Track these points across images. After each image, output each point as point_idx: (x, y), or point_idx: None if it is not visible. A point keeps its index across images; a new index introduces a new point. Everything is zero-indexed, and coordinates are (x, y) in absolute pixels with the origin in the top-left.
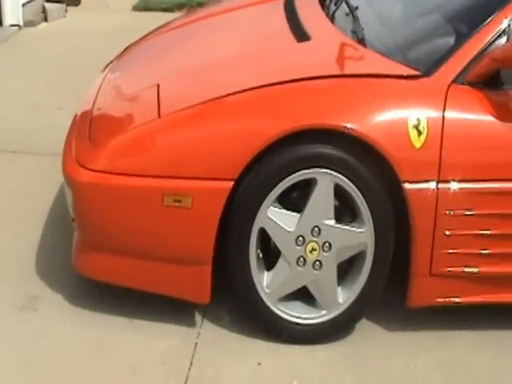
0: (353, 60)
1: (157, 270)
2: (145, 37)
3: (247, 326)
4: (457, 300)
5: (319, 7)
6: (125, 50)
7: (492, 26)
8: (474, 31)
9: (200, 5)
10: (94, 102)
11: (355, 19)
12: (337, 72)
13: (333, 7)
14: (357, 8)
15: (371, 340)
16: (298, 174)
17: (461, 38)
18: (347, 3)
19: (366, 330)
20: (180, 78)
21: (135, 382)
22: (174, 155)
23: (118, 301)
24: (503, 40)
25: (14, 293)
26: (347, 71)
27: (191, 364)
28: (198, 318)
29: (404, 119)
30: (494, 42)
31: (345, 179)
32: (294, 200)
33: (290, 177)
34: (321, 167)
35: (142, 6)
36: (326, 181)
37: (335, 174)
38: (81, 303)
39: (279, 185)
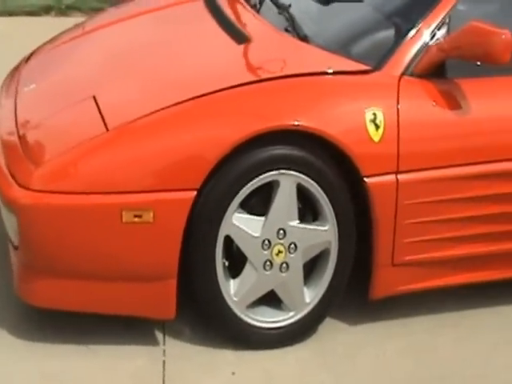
0: (303, 58)
1: (116, 290)
2: (52, 41)
3: (211, 337)
4: (418, 286)
5: (247, 6)
6: (28, 58)
7: (433, 18)
8: (417, 23)
9: (70, 8)
10: (15, 119)
11: (292, 16)
12: (290, 72)
13: (265, 5)
14: (290, 6)
15: (337, 335)
16: (260, 177)
17: (405, 31)
18: (278, 2)
19: (330, 326)
20: (119, 88)
21: None
22: (131, 168)
23: (67, 328)
24: (444, 31)
25: None
26: (301, 70)
27: (164, 383)
28: (158, 335)
29: (361, 115)
30: (436, 33)
31: (307, 178)
32: (257, 204)
33: (253, 181)
34: (283, 169)
35: (1, 9)
36: (288, 182)
37: (297, 174)
38: (28, 336)
39: (242, 190)
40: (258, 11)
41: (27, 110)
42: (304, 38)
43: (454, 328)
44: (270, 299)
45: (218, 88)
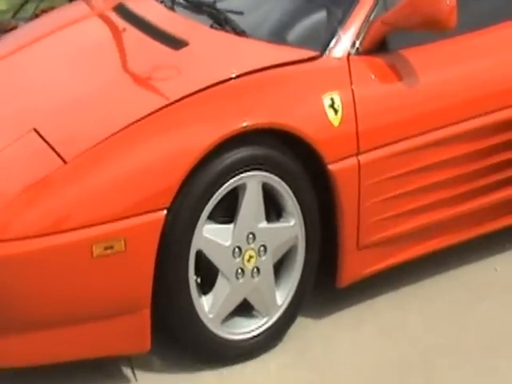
0: (247, 55)
1: (90, 332)
2: None
3: (185, 362)
4: (383, 265)
5: (165, 8)
6: None
7: None
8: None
9: None
10: None
11: (220, 12)
12: (240, 71)
13: (185, 5)
14: (214, 2)
15: (308, 332)
16: (227, 184)
17: (344, 10)
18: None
19: (299, 325)
20: (57, 116)
21: None
22: (96, 199)
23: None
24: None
25: None
26: (249, 68)
27: None
28: (127, 372)
29: (319, 102)
30: (375, 7)
31: (271, 176)
32: (221, 213)
33: (221, 189)
34: (247, 171)
35: None
36: (255, 183)
37: (262, 173)
38: None
39: (211, 200)
40: (179, 12)
41: None
42: (241, 33)
43: (417, 299)
44: (241, 310)
45: (169, 101)
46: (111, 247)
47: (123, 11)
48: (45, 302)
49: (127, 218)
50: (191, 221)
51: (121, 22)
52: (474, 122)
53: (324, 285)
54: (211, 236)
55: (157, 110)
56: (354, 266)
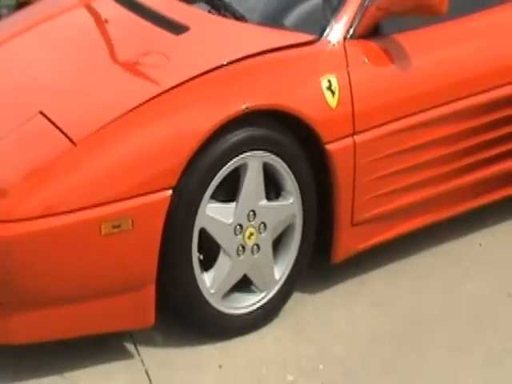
0: (248, 39)
1: (98, 307)
2: None
3: (187, 337)
4: (376, 240)
5: None
6: None
7: None
8: None
9: None
10: None
11: None
12: (241, 54)
13: None
14: None
15: (304, 307)
16: (229, 163)
17: None
18: None
19: (295, 301)
20: (63, 99)
21: None
22: (104, 179)
23: (34, 361)
24: None
25: None
26: (250, 51)
27: None
28: (130, 347)
29: (317, 84)
30: None
31: (272, 156)
32: (223, 191)
33: (223, 169)
34: (250, 150)
35: None
36: (255, 163)
37: (263, 153)
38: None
39: (214, 180)
40: None
41: None
42: (241, 18)
43: (407, 275)
44: (240, 285)
45: (173, 85)
46: (119, 226)
47: None
48: (55, 279)
49: (134, 197)
50: (195, 200)
51: (120, 8)
52: (462, 102)
53: (318, 262)
54: (214, 214)
55: (161, 93)
56: (348, 241)
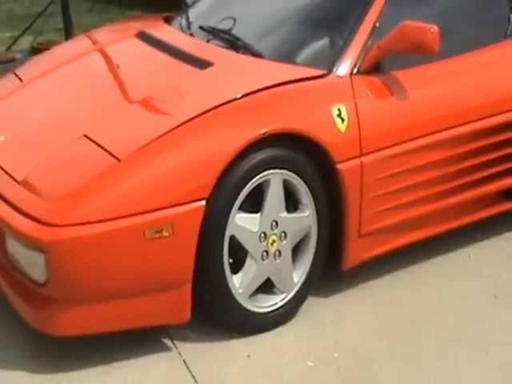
0: (267, 72)
1: (140, 304)
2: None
3: (215, 333)
4: (381, 250)
5: (186, 34)
6: None
7: (368, 22)
8: (355, 28)
9: None
10: (3, 170)
11: (237, 37)
12: (262, 85)
13: (204, 32)
14: (230, 29)
15: (317, 308)
16: (255, 179)
17: (347, 37)
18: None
19: (308, 302)
20: (105, 123)
21: None
22: (148, 190)
23: (82, 353)
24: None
25: None
26: (270, 83)
27: (194, 377)
28: (167, 342)
29: (329, 112)
30: (371, 36)
31: (291, 173)
32: (249, 203)
33: (249, 183)
34: (273, 168)
35: None
36: (277, 179)
37: (283, 171)
38: (52, 367)
39: (242, 192)
40: (199, 37)
41: (12, 160)
42: (259, 55)
43: (405, 282)
44: (264, 287)
45: (205, 109)
46: (160, 231)
47: (146, 37)
48: (103, 278)
49: (174, 206)
50: (225, 210)
51: (147, 47)
52: (454, 130)
53: (329, 270)
54: (242, 223)
55: (193, 117)
56: (356, 251)
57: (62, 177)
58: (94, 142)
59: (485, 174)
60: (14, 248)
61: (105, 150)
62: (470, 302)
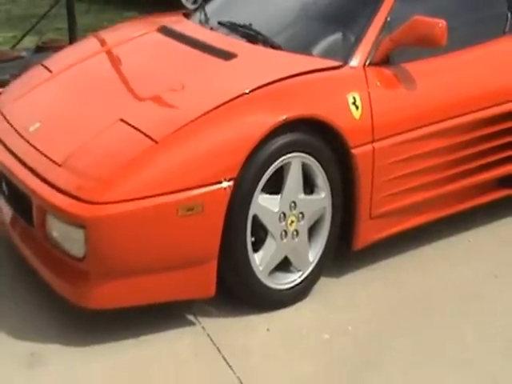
0: (287, 63)
1: (168, 278)
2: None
3: (237, 309)
4: (390, 232)
5: (207, 28)
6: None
7: (381, 16)
8: (369, 22)
9: None
10: (44, 155)
11: (257, 31)
12: (284, 75)
13: (226, 26)
14: (251, 24)
15: (330, 287)
16: (278, 161)
17: (361, 30)
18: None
19: (322, 281)
20: (140, 108)
21: (185, 379)
22: (182, 170)
23: (110, 327)
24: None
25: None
26: (291, 72)
27: (218, 348)
28: (191, 318)
29: (345, 100)
30: (383, 29)
31: (309, 157)
32: (269, 185)
33: (272, 166)
34: (293, 152)
35: None
36: (297, 162)
37: (303, 154)
38: (79, 340)
39: (265, 174)
40: (219, 31)
41: (50, 145)
42: (278, 47)
43: (412, 262)
44: (281, 265)
45: (233, 96)
46: (192, 209)
47: (169, 31)
48: (137, 253)
49: (204, 186)
50: (250, 191)
51: (171, 41)
52: (460, 119)
53: (340, 251)
54: (264, 203)
55: (223, 103)
56: (367, 232)
57: (102, 158)
58: (130, 125)
59: (490, 159)
60: (54, 225)
61: (142, 132)
62: (473, 281)
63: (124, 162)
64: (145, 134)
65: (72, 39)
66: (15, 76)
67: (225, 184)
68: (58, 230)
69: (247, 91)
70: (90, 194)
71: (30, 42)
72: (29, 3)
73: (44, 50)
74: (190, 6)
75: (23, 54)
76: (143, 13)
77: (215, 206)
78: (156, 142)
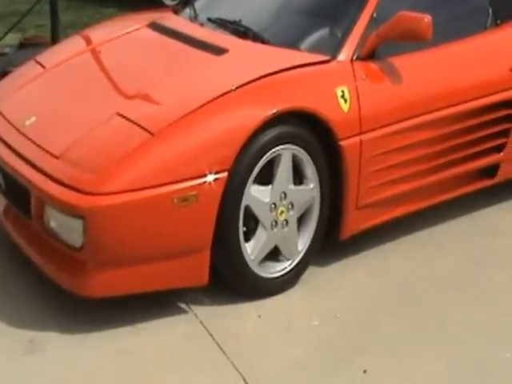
0: (276, 58)
1: (164, 267)
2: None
3: (228, 297)
4: (376, 221)
5: (197, 24)
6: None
7: (367, 12)
8: (356, 18)
9: None
10: (41, 147)
11: (247, 28)
12: (274, 69)
13: (208, 20)
14: (240, 20)
15: (316, 275)
16: (269, 153)
17: (348, 26)
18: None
19: (310, 269)
20: (137, 103)
21: (180, 364)
22: (176, 163)
23: (108, 315)
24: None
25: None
26: (283, 66)
27: (212, 335)
28: (183, 306)
29: (334, 93)
30: (370, 24)
31: (299, 149)
32: (260, 176)
33: (264, 157)
34: (285, 143)
35: None
36: (287, 154)
37: (293, 146)
38: (77, 328)
39: (257, 166)
40: (209, 27)
41: (47, 138)
42: (267, 42)
43: (396, 252)
44: (271, 254)
45: (225, 90)
46: (187, 200)
47: (159, 27)
48: (134, 242)
49: (199, 177)
50: (243, 181)
51: (161, 36)
52: (443, 111)
53: (325, 242)
54: (256, 194)
55: (216, 97)
56: (353, 222)
57: (100, 150)
58: (127, 118)
59: (472, 151)
60: (53, 216)
61: (139, 125)
62: (456, 269)
63: (121, 153)
64: (141, 127)
65: (54, 36)
66: None
67: (219, 175)
68: (56, 220)
69: (236, 86)
70: (88, 185)
71: (11, 39)
72: (8, 1)
73: (27, 46)
74: (170, 3)
75: (6, 50)
76: (122, 9)
77: (209, 196)
78: (152, 135)
